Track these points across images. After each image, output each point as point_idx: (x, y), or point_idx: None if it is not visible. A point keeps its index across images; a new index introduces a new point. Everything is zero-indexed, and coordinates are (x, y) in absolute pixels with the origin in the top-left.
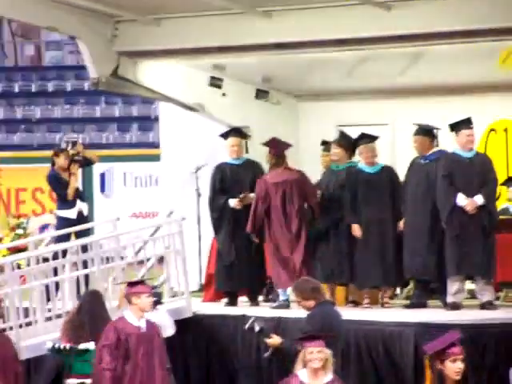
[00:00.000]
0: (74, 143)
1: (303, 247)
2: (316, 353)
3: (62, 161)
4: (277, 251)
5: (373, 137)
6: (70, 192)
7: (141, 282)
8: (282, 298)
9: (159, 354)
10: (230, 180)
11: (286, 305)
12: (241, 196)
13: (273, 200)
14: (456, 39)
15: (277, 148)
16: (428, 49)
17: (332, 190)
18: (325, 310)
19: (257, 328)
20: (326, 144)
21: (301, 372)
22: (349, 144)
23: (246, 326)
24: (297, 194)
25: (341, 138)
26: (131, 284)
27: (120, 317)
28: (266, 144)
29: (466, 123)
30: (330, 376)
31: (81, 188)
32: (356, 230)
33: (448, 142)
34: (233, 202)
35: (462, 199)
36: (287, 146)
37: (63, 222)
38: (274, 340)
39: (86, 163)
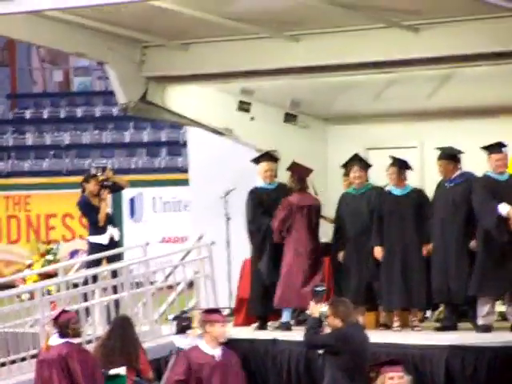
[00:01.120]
0: (104, 169)
1: (319, 271)
2: (397, 378)
3: (92, 186)
4: (290, 272)
5: (402, 161)
6: (101, 217)
7: (217, 311)
8: (284, 319)
9: (237, 381)
10: (267, 205)
11: (286, 327)
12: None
13: (296, 222)
14: (484, 61)
15: (300, 172)
16: (456, 71)
17: (355, 214)
18: (352, 331)
19: None
20: (346, 167)
21: None
22: (367, 167)
23: None
24: (316, 219)
25: (360, 161)
26: (207, 312)
27: (194, 346)
28: (289, 169)
29: (495, 148)
30: None
31: (111, 213)
32: (378, 252)
33: (478, 163)
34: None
35: (504, 207)
36: (310, 170)
37: (95, 248)
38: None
39: (116, 189)
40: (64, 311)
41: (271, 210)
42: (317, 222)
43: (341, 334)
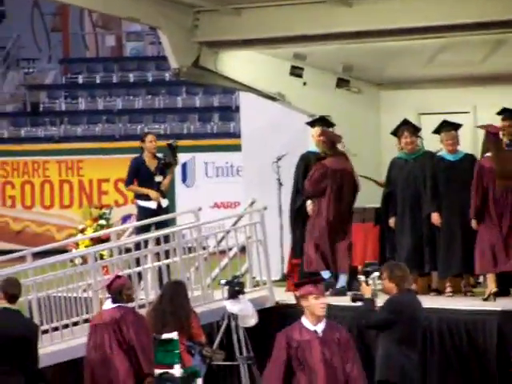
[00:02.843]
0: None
1: (350, 234)
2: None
3: (147, 143)
4: (324, 235)
5: (455, 124)
6: (166, 184)
7: (309, 282)
8: (340, 284)
9: (342, 358)
10: None
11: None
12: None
13: (329, 186)
14: None
15: (331, 138)
16: (508, 36)
17: (408, 180)
18: (405, 299)
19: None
20: (397, 132)
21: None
22: (418, 131)
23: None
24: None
25: (410, 126)
26: (298, 285)
27: (297, 321)
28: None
29: None
30: None
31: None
32: (435, 218)
33: None
34: (309, 207)
35: None
36: (339, 137)
37: (144, 212)
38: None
39: (168, 164)
40: (117, 277)
41: None
42: (351, 187)
43: (393, 305)
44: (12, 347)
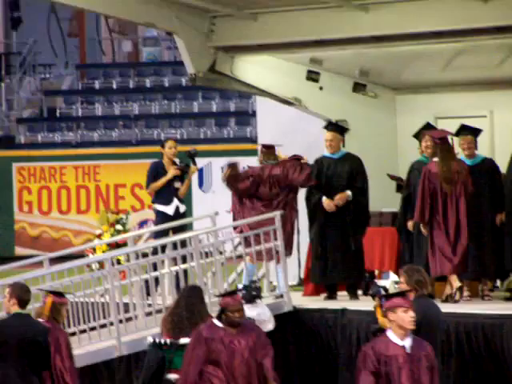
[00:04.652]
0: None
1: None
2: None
3: (167, 149)
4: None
5: (475, 129)
6: (184, 190)
7: (398, 294)
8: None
9: (429, 375)
10: (325, 174)
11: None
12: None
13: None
14: None
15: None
16: None
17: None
18: (423, 304)
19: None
20: (418, 136)
21: None
22: None
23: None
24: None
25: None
26: (386, 297)
27: (383, 335)
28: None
29: None
30: None
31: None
32: (410, 224)
33: None
34: (326, 203)
35: None
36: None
37: (161, 217)
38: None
39: (185, 171)
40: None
41: (330, 180)
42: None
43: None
44: (26, 350)
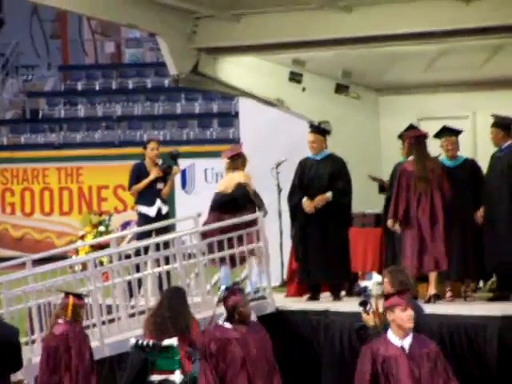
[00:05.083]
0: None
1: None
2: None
3: (149, 151)
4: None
5: (455, 130)
6: (166, 191)
7: (396, 293)
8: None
9: (432, 374)
10: (307, 175)
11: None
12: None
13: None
14: None
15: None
16: (508, 41)
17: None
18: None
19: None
20: (402, 137)
21: None
22: None
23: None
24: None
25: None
26: (385, 297)
27: (381, 336)
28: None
29: None
30: None
31: (162, 188)
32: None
33: None
34: (306, 204)
35: None
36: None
37: (143, 219)
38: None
39: (168, 172)
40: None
41: (312, 180)
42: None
43: None
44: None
